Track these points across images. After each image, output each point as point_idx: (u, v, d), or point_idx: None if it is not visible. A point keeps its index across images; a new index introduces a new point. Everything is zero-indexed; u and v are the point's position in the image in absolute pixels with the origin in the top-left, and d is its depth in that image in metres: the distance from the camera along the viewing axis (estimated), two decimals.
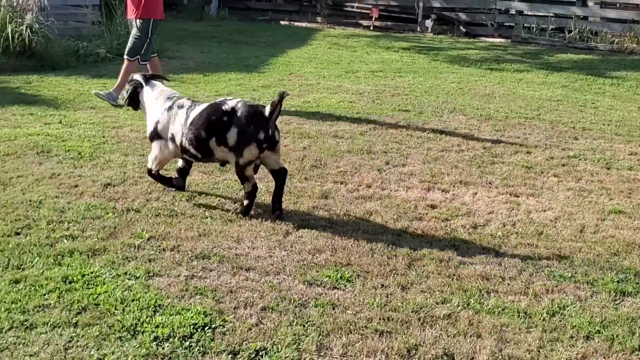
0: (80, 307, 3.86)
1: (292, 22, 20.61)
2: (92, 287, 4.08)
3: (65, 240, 4.70)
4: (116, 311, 3.84)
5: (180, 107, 5.48)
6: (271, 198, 5.43)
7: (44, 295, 3.97)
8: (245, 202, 5.38)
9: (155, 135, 5.59)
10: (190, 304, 3.97)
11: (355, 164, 6.77)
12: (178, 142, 5.44)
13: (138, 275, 4.26)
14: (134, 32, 9.00)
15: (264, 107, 5.26)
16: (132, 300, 3.96)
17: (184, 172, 5.81)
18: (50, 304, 3.87)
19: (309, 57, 13.97)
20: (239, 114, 5.21)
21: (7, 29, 10.88)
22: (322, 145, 7.37)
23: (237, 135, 5.18)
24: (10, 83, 9.95)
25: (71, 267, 4.31)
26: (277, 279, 4.35)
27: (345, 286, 4.30)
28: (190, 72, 11.66)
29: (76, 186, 5.75)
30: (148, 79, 5.89)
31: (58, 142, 6.98)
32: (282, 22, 20.65)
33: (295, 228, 5.13)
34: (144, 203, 5.45)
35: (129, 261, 4.46)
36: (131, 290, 4.07)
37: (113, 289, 4.07)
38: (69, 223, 5.00)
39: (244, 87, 10.56)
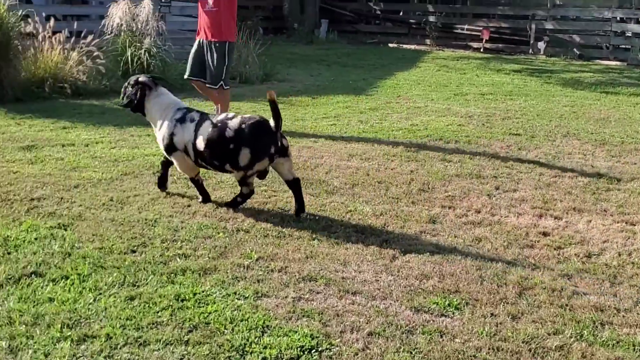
0: (191, 326, 3.95)
1: (401, 45, 20.65)
2: (203, 306, 4.17)
3: (178, 259, 4.83)
4: (226, 330, 3.91)
5: (192, 120, 5.75)
6: (295, 208, 5.77)
7: (157, 312, 4.08)
8: (239, 199, 5.83)
9: (172, 148, 5.84)
10: (298, 326, 4.00)
11: (464, 189, 6.68)
12: (191, 154, 5.74)
13: (247, 296, 4.33)
14: (211, 58, 8.69)
15: (267, 120, 5.55)
16: (241, 320, 4.02)
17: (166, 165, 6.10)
18: (163, 322, 3.98)
19: (417, 80, 13.94)
20: (246, 133, 5.49)
21: (127, 53, 11.41)
22: (429, 168, 7.32)
23: (249, 154, 5.52)
24: None
25: (183, 286, 4.42)
26: (384, 304, 4.32)
27: (453, 314, 4.23)
28: (299, 94, 11.83)
29: (189, 206, 5.91)
30: (156, 84, 6.00)
31: None
32: (390, 45, 20.73)
33: (401, 253, 5.10)
34: (253, 224, 5.55)
35: (239, 281, 4.54)
36: (240, 310, 4.14)
37: (223, 309, 4.14)
38: (182, 242, 5.14)
39: (352, 109, 10.62)
